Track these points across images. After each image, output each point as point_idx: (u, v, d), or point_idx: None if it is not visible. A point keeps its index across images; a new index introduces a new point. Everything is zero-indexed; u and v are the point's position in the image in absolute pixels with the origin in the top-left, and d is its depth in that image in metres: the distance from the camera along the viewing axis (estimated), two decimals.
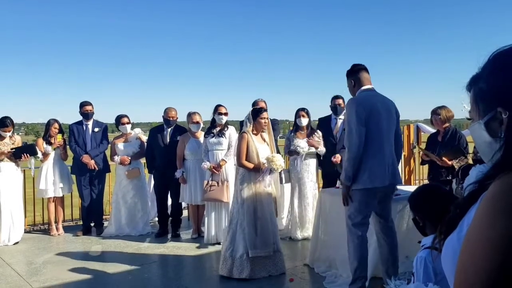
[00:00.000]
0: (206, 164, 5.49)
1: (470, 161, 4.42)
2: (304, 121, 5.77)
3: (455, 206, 0.93)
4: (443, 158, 4.59)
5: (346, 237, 3.68)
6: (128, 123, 6.37)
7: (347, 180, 3.55)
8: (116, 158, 6.25)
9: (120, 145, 6.30)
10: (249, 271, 4.21)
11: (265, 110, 4.57)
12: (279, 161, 4.33)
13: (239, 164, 4.40)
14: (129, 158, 6.23)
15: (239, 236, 4.29)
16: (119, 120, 6.34)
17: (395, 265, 3.68)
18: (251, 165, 4.35)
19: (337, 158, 5.58)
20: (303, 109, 5.83)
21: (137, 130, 6.67)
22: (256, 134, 4.51)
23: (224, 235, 4.63)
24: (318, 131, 5.83)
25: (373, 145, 3.50)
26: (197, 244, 5.58)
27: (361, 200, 3.55)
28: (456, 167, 4.39)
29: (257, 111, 4.52)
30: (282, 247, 4.50)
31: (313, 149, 5.72)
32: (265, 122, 4.48)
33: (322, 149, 5.71)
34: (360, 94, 3.63)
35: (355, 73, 3.69)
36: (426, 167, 5.28)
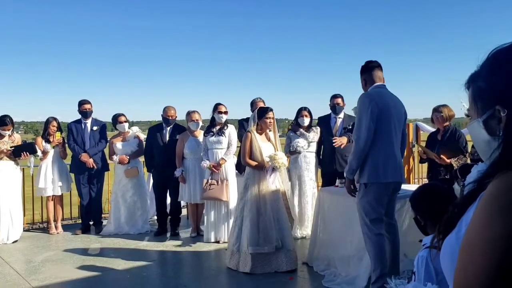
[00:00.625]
0: (206, 163, 5.49)
1: (468, 161, 4.42)
2: (307, 121, 5.76)
3: (454, 206, 0.93)
4: (442, 156, 4.60)
5: (346, 235, 3.65)
6: (125, 121, 6.36)
7: (349, 174, 3.54)
8: (115, 157, 6.24)
9: (118, 144, 6.29)
10: (250, 266, 4.27)
11: (271, 110, 4.59)
12: (282, 159, 4.36)
13: (244, 162, 4.50)
14: (128, 157, 6.22)
15: (243, 232, 4.36)
16: (116, 119, 6.33)
17: (396, 263, 3.67)
18: (254, 163, 4.42)
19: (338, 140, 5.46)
20: (305, 109, 5.82)
21: (135, 129, 6.66)
22: (260, 133, 4.56)
23: (231, 231, 4.70)
24: (317, 126, 5.84)
25: (383, 141, 3.48)
26: (196, 243, 5.57)
27: (376, 195, 3.48)
28: (454, 165, 4.39)
29: (263, 110, 4.58)
30: (289, 245, 4.42)
31: (312, 148, 5.72)
32: (270, 122, 4.52)
33: (310, 135, 5.69)
34: (373, 90, 3.60)
35: (368, 71, 3.65)
36: (425, 166, 5.28)
